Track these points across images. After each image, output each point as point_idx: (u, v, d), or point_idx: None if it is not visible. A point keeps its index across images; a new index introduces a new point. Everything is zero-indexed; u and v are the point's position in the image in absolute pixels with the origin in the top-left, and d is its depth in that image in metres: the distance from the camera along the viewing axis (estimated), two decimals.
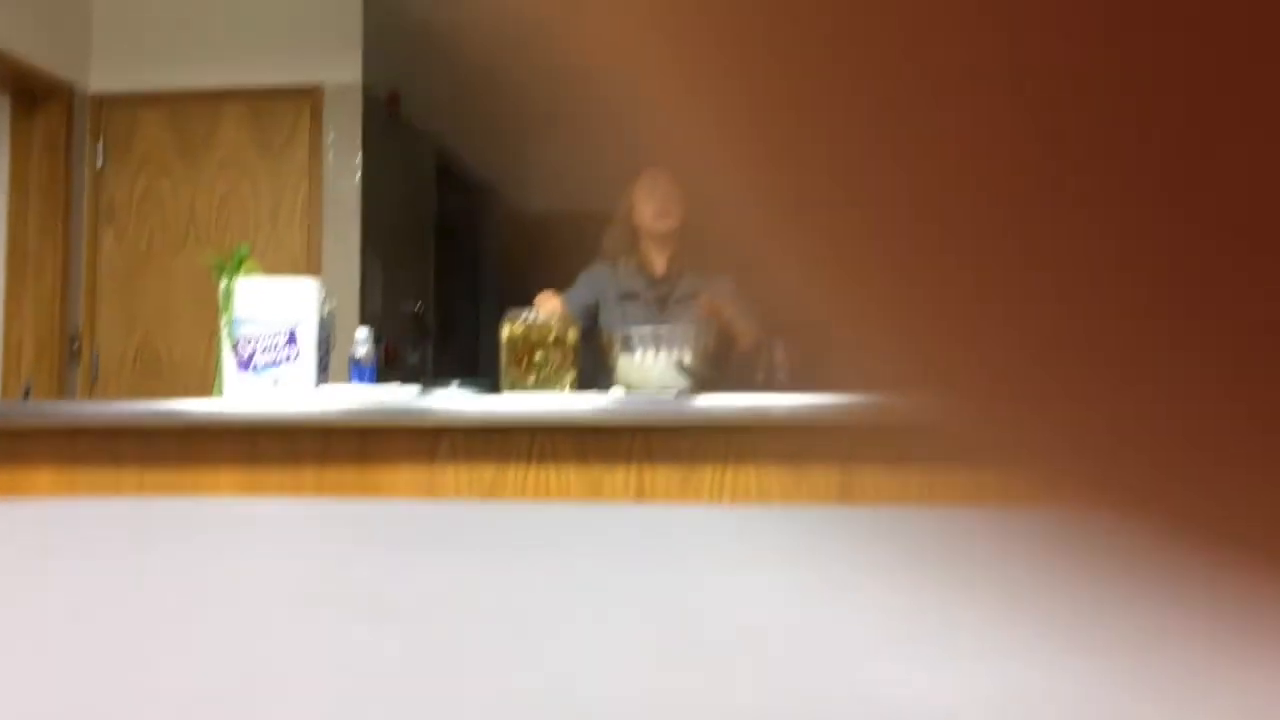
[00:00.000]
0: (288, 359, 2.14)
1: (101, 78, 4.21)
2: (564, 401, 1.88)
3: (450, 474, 1.88)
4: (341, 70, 4.11)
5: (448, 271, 5.06)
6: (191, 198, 4.11)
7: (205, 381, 3.98)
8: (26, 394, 3.91)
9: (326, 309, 2.31)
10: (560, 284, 3.02)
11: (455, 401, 1.91)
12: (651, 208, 2.84)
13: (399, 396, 2.05)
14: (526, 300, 6.28)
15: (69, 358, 4.05)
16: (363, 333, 2.44)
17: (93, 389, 4.07)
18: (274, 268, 3.95)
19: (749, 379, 6.19)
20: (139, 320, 4.09)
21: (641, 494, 1.81)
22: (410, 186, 4.60)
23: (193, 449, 1.97)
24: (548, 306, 2.58)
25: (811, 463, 1.78)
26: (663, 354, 2.16)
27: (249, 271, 2.26)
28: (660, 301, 2.79)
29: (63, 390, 4.01)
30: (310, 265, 4.02)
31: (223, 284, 2.24)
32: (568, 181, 6.37)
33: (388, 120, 4.32)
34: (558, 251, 6.46)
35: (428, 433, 1.90)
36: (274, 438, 1.96)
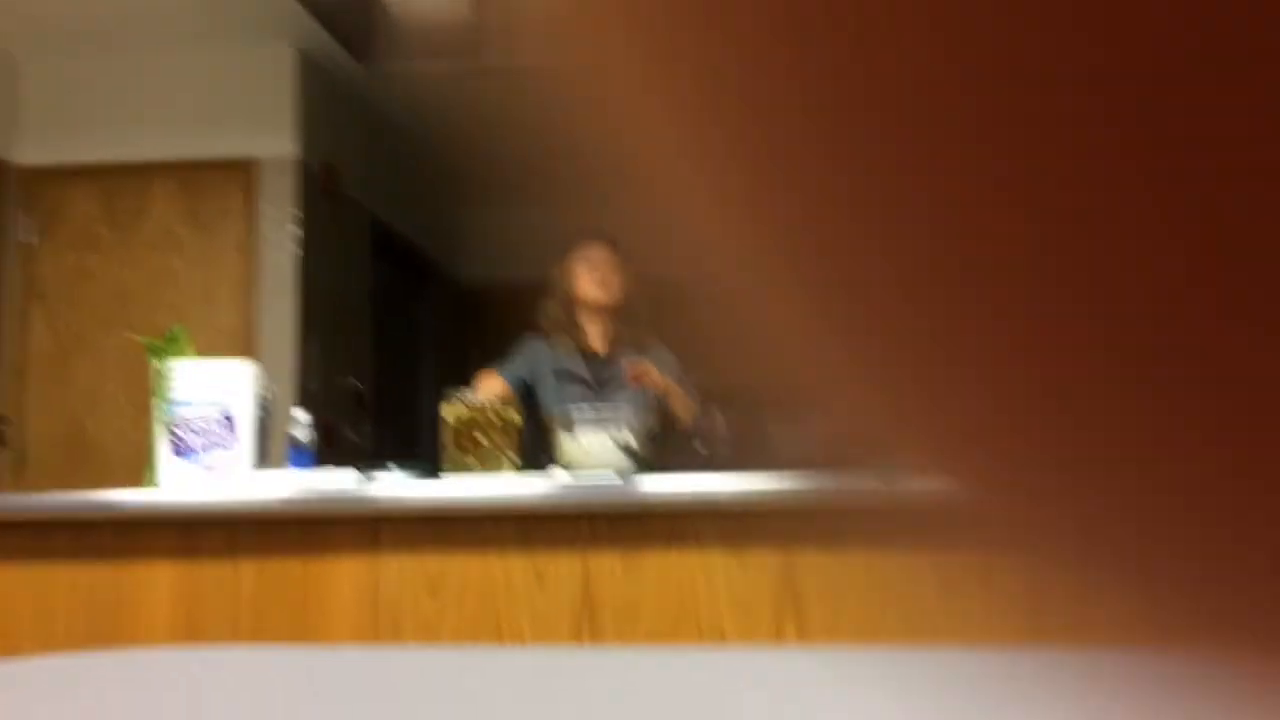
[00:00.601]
0: (224, 443, 2.11)
1: (30, 151, 4.14)
2: (508, 487, 1.88)
3: (394, 564, 1.86)
4: (276, 143, 4.11)
5: (385, 346, 5.02)
6: (121, 274, 4.05)
7: (139, 467, 3.89)
8: None
9: (264, 390, 2.28)
10: (498, 357, 3.02)
11: (397, 489, 1.89)
12: (590, 279, 2.85)
13: (339, 483, 2.03)
14: (465, 373, 6.27)
15: None
16: (301, 415, 2.41)
17: (21, 475, 3.95)
18: (209, 346, 3.89)
19: (691, 454, 6.20)
20: (69, 403, 4.00)
21: (587, 580, 1.81)
22: (346, 260, 4.59)
23: (128, 542, 1.93)
24: (487, 386, 2.58)
25: (754, 545, 1.79)
26: (605, 434, 2.17)
27: (183, 352, 2.23)
28: (600, 382, 2.80)
29: None
30: (246, 342, 3.97)
31: (155, 366, 2.20)
32: (504, 252, 6.39)
33: (323, 193, 4.32)
34: (496, 323, 6.47)
35: (369, 521, 1.88)
36: (212, 529, 1.92)
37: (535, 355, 2.88)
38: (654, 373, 2.50)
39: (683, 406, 2.61)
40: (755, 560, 1.79)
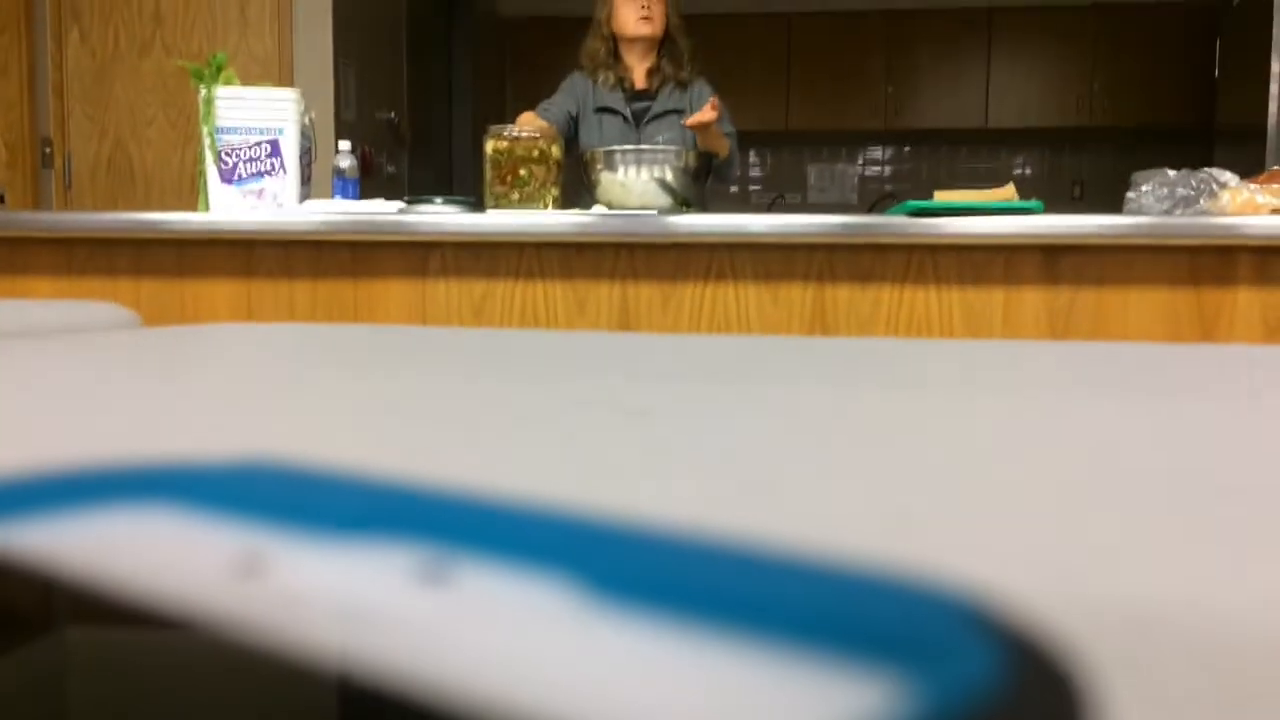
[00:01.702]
0: (271, 170, 2.15)
1: None
2: (551, 219, 1.93)
3: (440, 288, 1.95)
4: None
5: (420, 80, 4.96)
6: None
7: (180, 190, 3.98)
8: (1, 199, 3.88)
9: (307, 119, 2.31)
10: (536, 92, 3.00)
11: (445, 218, 1.95)
12: (634, 13, 2.80)
13: (388, 212, 2.09)
14: (503, 108, 6.20)
15: (41, 163, 4.00)
16: (345, 145, 2.44)
17: (67, 196, 4.05)
18: (244, 73, 3.88)
19: (726, 194, 6.19)
20: (109, 125, 4.03)
21: (625, 308, 1.90)
22: None
23: (187, 262, 2.02)
24: (529, 123, 2.58)
25: (787, 279, 1.86)
26: (645, 172, 2.20)
27: (227, 80, 2.23)
28: (638, 116, 2.80)
29: (37, 196, 3.98)
30: (282, 71, 3.95)
31: (202, 92, 2.21)
32: None
33: None
34: (534, 58, 6.32)
35: (418, 248, 1.96)
36: (267, 251, 2.01)
37: (578, 91, 2.87)
38: (711, 119, 2.47)
39: (719, 143, 2.62)
40: (787, 293, 1.86)
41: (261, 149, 2.15)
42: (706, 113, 2.44)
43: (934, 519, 0.29)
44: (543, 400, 0.52)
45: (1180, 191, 1.98)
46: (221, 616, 0.14)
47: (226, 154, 2.12)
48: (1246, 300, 1.80)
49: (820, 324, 1.85)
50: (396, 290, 1.96)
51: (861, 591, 0.13)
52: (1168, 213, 1.96)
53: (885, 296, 1.85)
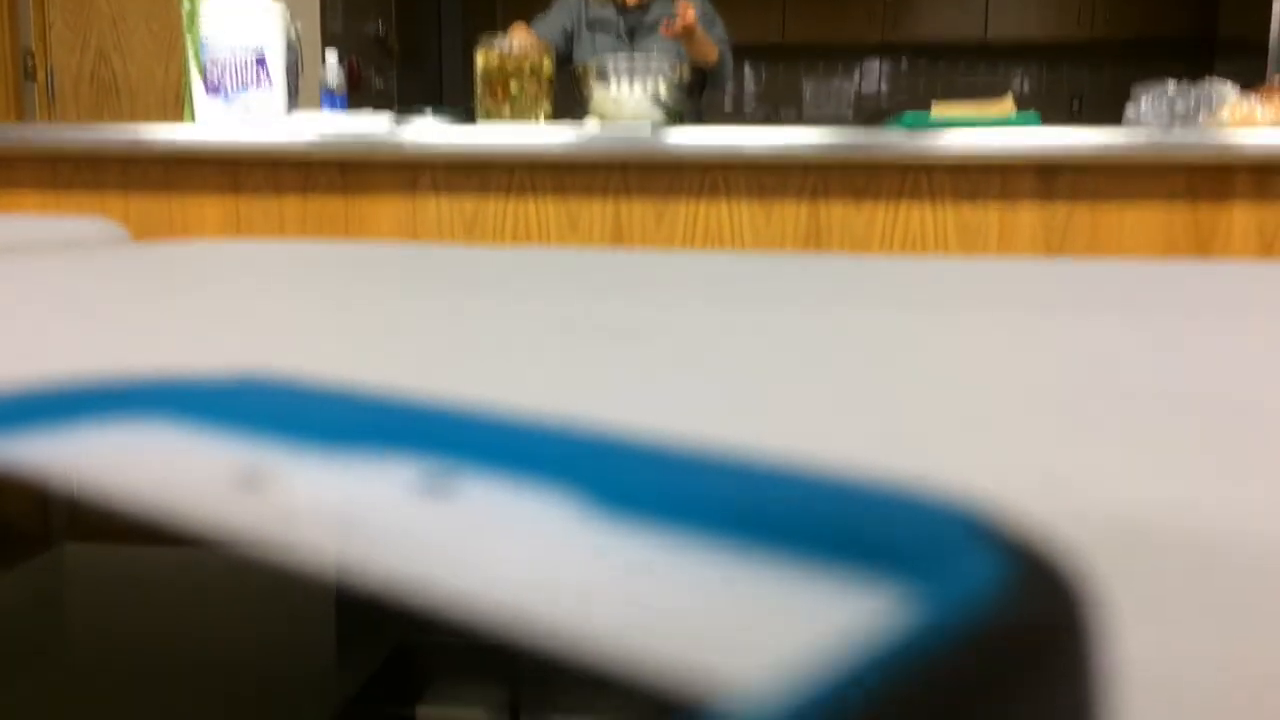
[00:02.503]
0: (258, 83, 2.12)
1: None
2: (543, 135, 1.91)
3: (431, 205, 1.93)
4: None
5: None
6: None
7: (164, 103, 3.90)
8: None
9: (293, 30, 2.26)
10: (525, 4, 2.94)
11: (436, 134, 1.92)
12: None
13: (375, 126, 2.06)
14: (490, 21, 6.09)
15: (23, 75, 3.92)
16: (333, 58, 2.40)
17: (51, 109, 3.98)
18: None
19: (720, 108, 6.10)
20: (91, 36, 3.94)
21: (619, 226, 1.88)
22: None
23: (175, 177, 2.00)
24: (520, 36, 2.54)
25: (780, 196, 1.84)
26: (638, 85, 2.17)
27: None
28: (631, 30, 2.74)
29: (20, 109, 3.91)
30: None
31: (185, 4, 2.16)
32: None
33: None
34: None
35: (408, 165, 1.93)
36: (255, 167, 1.98)
37: (570, 7, 2.81)
38: (693, 21, 2.44)
39: (707, 49, 2.58)
40: (780, 210, 1.85)
41: (247, 61, 2.11)
42: (682, 15, 2.40)
43: (930, 434, 0.29)
44: (531, 322, 0.52)
45: (1180, 105, 1.96)
46: (221, 530, 0.14)
47: (212, 65, 2.08)
48: (1243, 216, 1.79)
49: (814, 241, 1.85)
50: (387, 207, 1.95)
51: (860, 502, 0.13)
52: (1167, 126, 1.94)
53: (880, 213, 1.84)
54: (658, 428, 0.28)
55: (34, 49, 3.95)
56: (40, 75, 3.96)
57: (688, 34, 2.43)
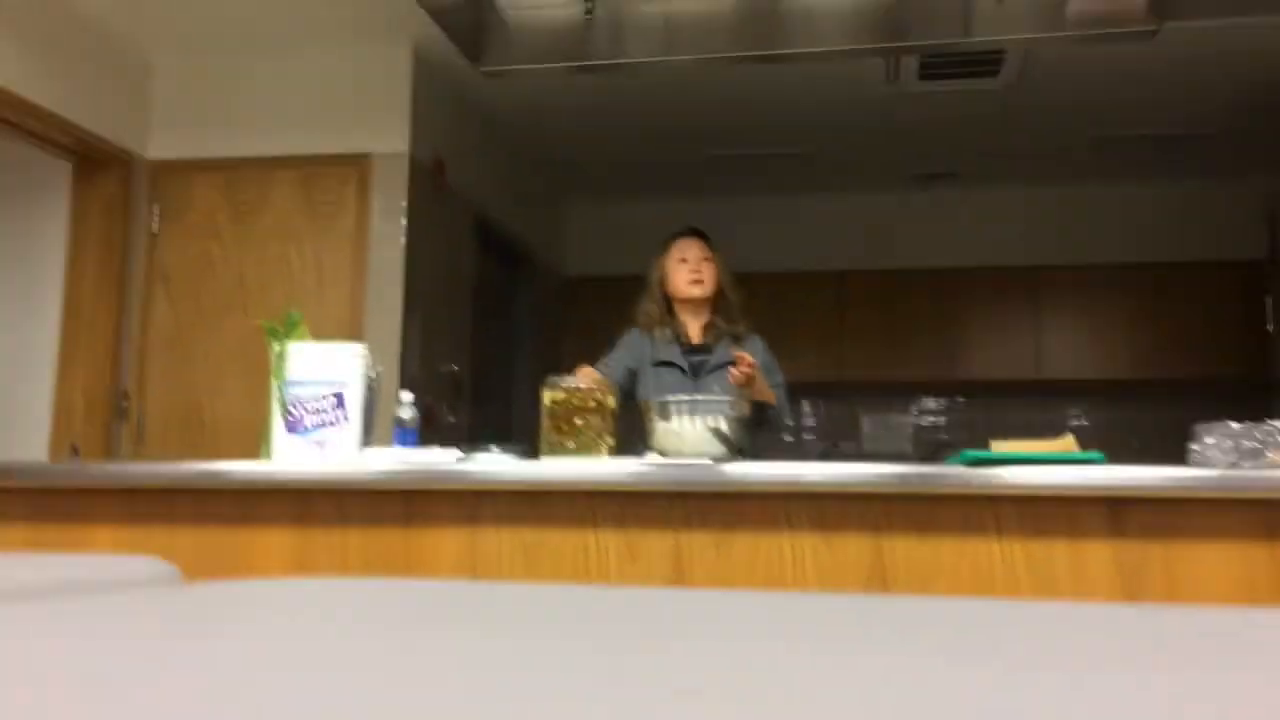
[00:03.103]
0: (335, 421, 2.21)
1: (159, 145, 4.38)
2: (604, 467, 1.94)
3: (492, 536, 1.94)
4: (389, 139, 4.26)
5: (484, 333, 5.16)
6: (241, 262, 4.25)
7: (248, 439, 4.07)
8: (75, 452, 4.02)
9: (372, 372, 2.39)
10: (592, 344, 3.10)
11: (497, 466, 1.97)
12: (686, 275, 2.92)
13: (442, 460, 2.12)
14: (560, 360, 6.41)
15: (117, 415, 4.16)
16: (407, 396, 2.51)
17: (138, 446, 4.18)
18: (318, 329, 4.06)
19: (780, 443, 6.21)
20: (185, 380, 4.21)
21: (679, 557, 1.86)
22: (451, 251, 4.73)
23: (246, 509, 2.05)
24: (587, 376, 2.65)
25: (843, 529, 1.82)
26: (699, 420, 2.22)
27: (299, 335, 2.33)
28: (695, 370, 2.86)
29: (110, 447, 4.11)
30: (353, 327, 4.13)
31: (275, 348, 2.30)
32: (602, 244, 6.50)
33: (432, 187, 4.46)
34: (591, 313, 6.59)
35: (469, 495, 1.97)
36: (323, 499, 2.03)
37: (636, 347, 2.96)
38: (749, 361, 2.55)
39: (767, 394, 2.67)
40: (843, 543, 1.82)
41: (327, 400, 2.21)
42: (741, 363, 2.50)
43: None
44: (583, 673, 0.50)
45: (1246, 444, 1.94)
46: None
47: (294, 405, 2.19)
48: None
49: (879, 577, 1.80)
50: (449, 539, 1.96)
51: None
52: (1234, 465, 1.91)
53: (945, 548, 1.80)
54: None
55: (130, 391, 4.21)
56: (133, 416, 4.19)
57: (748, 383, 2.53)
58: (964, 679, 0.45)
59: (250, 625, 0.66)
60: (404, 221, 4.22)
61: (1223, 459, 1.93)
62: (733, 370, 2.54)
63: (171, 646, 0.57)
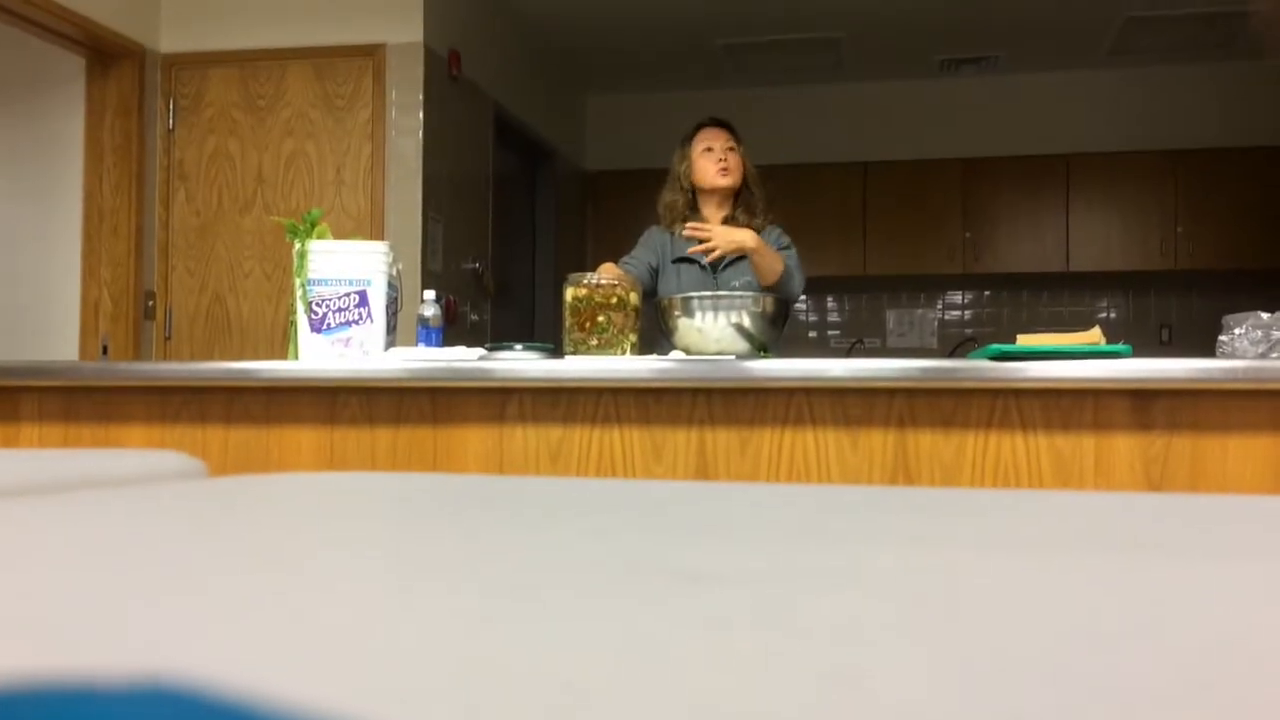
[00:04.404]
0: (359, 320, 2.21)
1: (172, 38, 4.31)
2: (628, 364, 1.94)
3: (518, 433, 1.96)
4: (403, 29, 4.18)
5: (505, 231, 5.13)
6: (259, 158, 4.22)
7: (273, 339, 4.12)
8: (104, 350, 4.06)
9: (394, 270, 2.38)
10: (614, 241, 3.08)
11: (523, 363, 1.98)
12: (710, 166, 2.88)
13: (468, 359, 2.12)
14: (583, 257, 6.35)
15: (144, 314, 4.19)
16: (430, 295, 2.51)
17: (167, 346, 4.22)
18: (338, 227, 4.06)
19: (804, 338, 6.19)
20: (209, 279, 4.23)
21: (703, 453, 1.88)
22: (470, 145, 4.67)
23: (275, 408, 2.07)
24: (609, 272, 2.64)
25: (866, 424, 1.83)
26: (722, 318, 2.21)
27: (321, 234, 2.32)
28: (715, 264, 2.84)
29: (138, 346, 4.16)
30: (374, 224, 4.12)
31: (296, 246, 2.29)
32: (624, 137, 6.41)
33: (448, 79, 4.38)
34: (614, 208, 6.52)
35: (496, 394, 1.98)
36: (351, 398, 2.05)
37: (656, 244, 2.93)
38: (720, 238, 2.64)
39: (772, 262, 2.68)
40: (867, 438, 1.83)
41: (350, 299, 2.21)
42: (703, 245, 2.59)
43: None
44: (591, 562, 0.50)
45: (1275, 334, 1.92)
46: None
47: (317, 304, 2.19)
48: None
49: (903, 471, 1.81)
50: (475, 437, 1.98)
51: None
52: (1263, 356, 1.89)
53: (969, 443, 1.80)
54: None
55: (155, 290, 4.23)
56: (159, 314, 4.22)
57: (716, 254, 2.60)
58: (993, 566, 0.45)
59: (271, 514, 0.67)
60: (420, 115, 4.16)
61: (1251, 350, 1.91)
62: (695, 249, 2.63)
63: (192, 531, 0.58)
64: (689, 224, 2.71)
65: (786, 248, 2.87)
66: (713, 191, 2.90)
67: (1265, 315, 1.94)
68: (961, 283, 6.30)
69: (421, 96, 4.16)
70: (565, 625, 0.34)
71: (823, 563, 0.48)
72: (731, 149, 2.89)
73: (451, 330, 4.19)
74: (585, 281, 2.24)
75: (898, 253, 6.04)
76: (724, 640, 0.32)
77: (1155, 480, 1.75)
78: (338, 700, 0.24)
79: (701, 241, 2.66)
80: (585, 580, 0.43)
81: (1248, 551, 0.57)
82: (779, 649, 0.31)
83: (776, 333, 2.34)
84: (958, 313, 6.37)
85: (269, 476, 0.90)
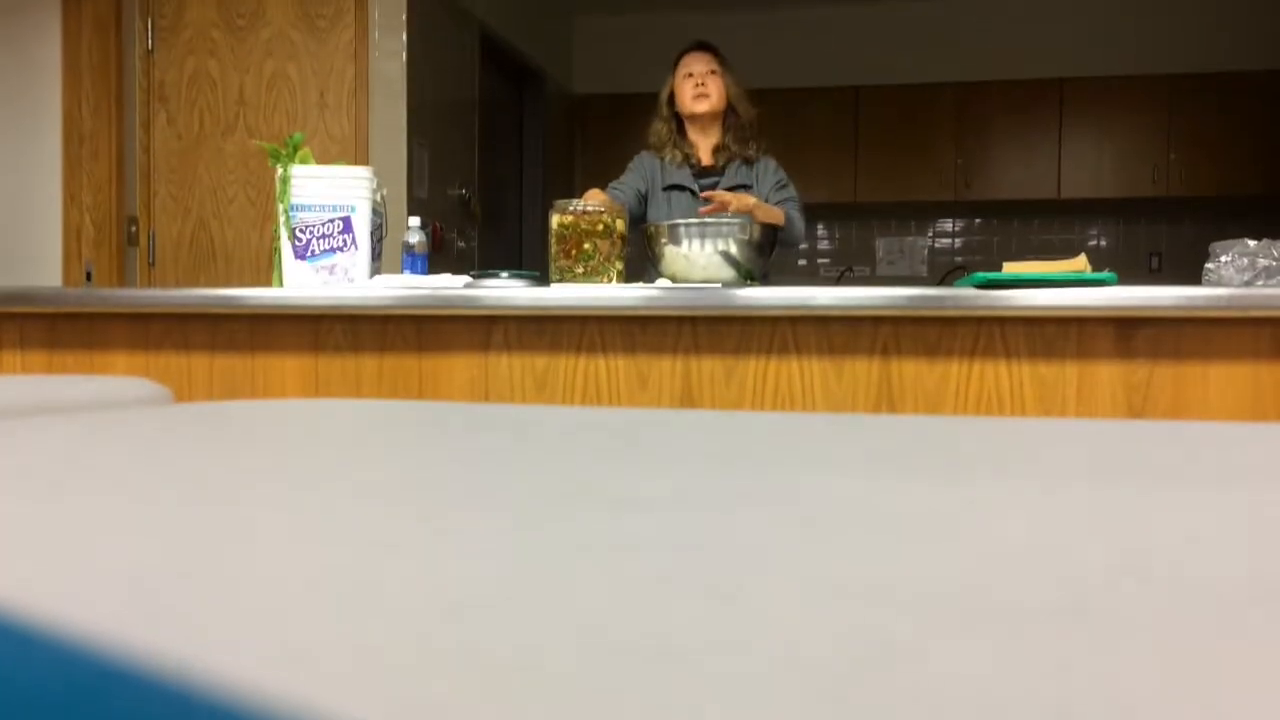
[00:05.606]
0: (343, 246, 2.20)
1: None
2: (614, 292, 1.93)
3: (504, 361, 1.96)
4: None
5: (491, 156, 5.07)
6: (240, 80, 4.14)
7: (258, 266, 4.09)
8: (89, 277, 4.03)
9: (379, 196, 2.36)
10: (603, 167, 3.05)
11: (507, 291, 1.97)
12: (688, 90, 2.84)
13: (452, 285, 2.11)
14: (571, 183, 6.30)
15: (127, 241, 4.15)
16: (415, 221, 2.49)
17: (151, 273, 4.19)
18: (322, 152, 4.00)
19: (794, 265, 6.17)
20: (192, 204, 4.18)
21: (688, 382, 1.88)
22: (455, 68, 4.59)
23: (259, 335, 2.06)
24: (595, 198, 2.61)
25: (851, 353, 1.83)
26: (709, 244, 2.20)
27: (304, 159, 2.29)
28: (707, 193, 2.81)
29: (122, 273, 4.12)
30: (358, 149, 4.06)
31: (279, 172, 2.26)
32: (612, 61, 6.30)
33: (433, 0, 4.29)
34: (603, 133, 6.44)
35: (481, 322, 1.97)
36: (335, 325, 2.04)
37: (646, 170, 2.90)
38: (733, 201, 2.51)
39: (772, 215, 2.63)
40: (851, 366, 1.83)
41: (334, 225, 2.19)
42: (714, 205, 2.47)
43: (909, 645, 0.27)
44: (537, 488, 0.50)
45: (1262, 262, 1.92)
46: None
47: (300, 231, 2.17)
48: None
49: (887, 400, 1.82)
50: (460, 365, 1.98)
51: None
52: (1249, 283, 1.89)
53: (953, 371, 1.81)
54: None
55: (138, 216, 4.19)
56: (142, 241, 4.18)
57: (724, 209, 2.49)
58: (979, 494, 0.46)
59: (229, 440, 0.67)
60: (404, 36, 4.08)
61: (1237, 277, 1.92)
62: (711, 208, 2.51)
63: (149, 456, 0.57)
64: (702, 209, 2.59)
65: (785, 187, 2.84)
66: (695, 117, 2.86)
67: (1252, 242, 1.94)
68: (952, 210, 6.27)
69: (405, 16, 4.08)
70: (473, 548, 0.34)
71: (756, 488, 0.48)
72: (714, 72, 2.85)
73: (439, 257, 4.16)
74: (571, 208, 2.22)
75: (889, 179, 6.00)
76: (628, 563, 0.32)
77: (1137, 408, 1.77)
78: (229, 618, 0.24)
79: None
80: (524, 506, 0.43)
81: (1225, 478, 0.58)
82: (672, 572, 0.31)
83: (764, 261, 2.33)
84: (948, 240, 6.36)
85: (228, 404, 0.90)
